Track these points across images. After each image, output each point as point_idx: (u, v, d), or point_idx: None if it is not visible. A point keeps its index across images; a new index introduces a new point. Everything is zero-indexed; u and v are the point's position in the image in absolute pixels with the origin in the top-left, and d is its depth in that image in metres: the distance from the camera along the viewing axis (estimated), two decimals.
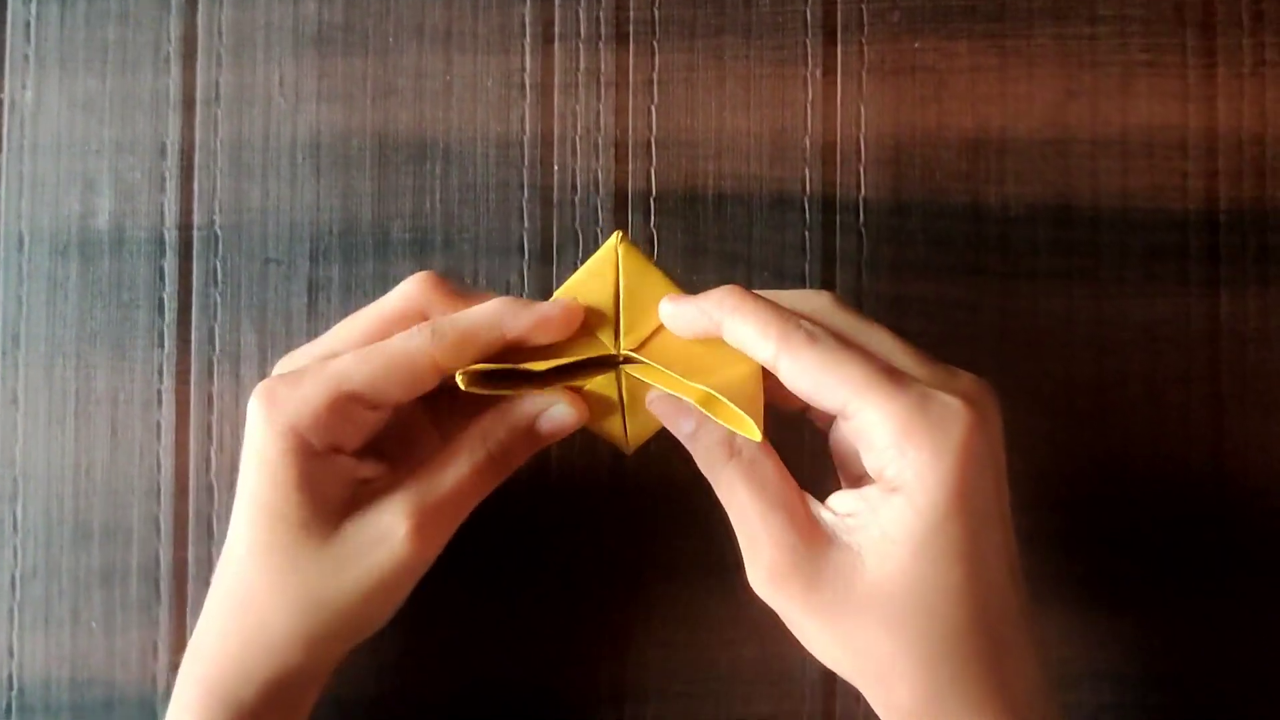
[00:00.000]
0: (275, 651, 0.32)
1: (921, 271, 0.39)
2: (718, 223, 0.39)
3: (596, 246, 0.39)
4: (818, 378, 0.29)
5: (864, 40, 0.39)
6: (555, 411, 0.32)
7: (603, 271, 0.33)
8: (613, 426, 0.33)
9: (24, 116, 0.41)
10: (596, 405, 0.33)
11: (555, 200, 0.40)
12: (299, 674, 0.32)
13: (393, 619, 0.36)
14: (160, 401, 0.40)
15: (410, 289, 0.33)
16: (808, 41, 0.39)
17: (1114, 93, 0.39)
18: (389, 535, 0.31)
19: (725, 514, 0.38)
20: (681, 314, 0.32)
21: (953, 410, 0.28)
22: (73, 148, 0.41)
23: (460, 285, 0.33)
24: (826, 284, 0.39)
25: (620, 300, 0.32)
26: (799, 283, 0.39)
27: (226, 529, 0.39)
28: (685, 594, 0.39)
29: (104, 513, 0.40)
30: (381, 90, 0.40)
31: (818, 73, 0.39)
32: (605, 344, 0.33)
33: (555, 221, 0.40)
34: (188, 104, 0.40)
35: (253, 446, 0.31)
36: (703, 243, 0.39)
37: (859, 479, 0.31)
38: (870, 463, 0.29)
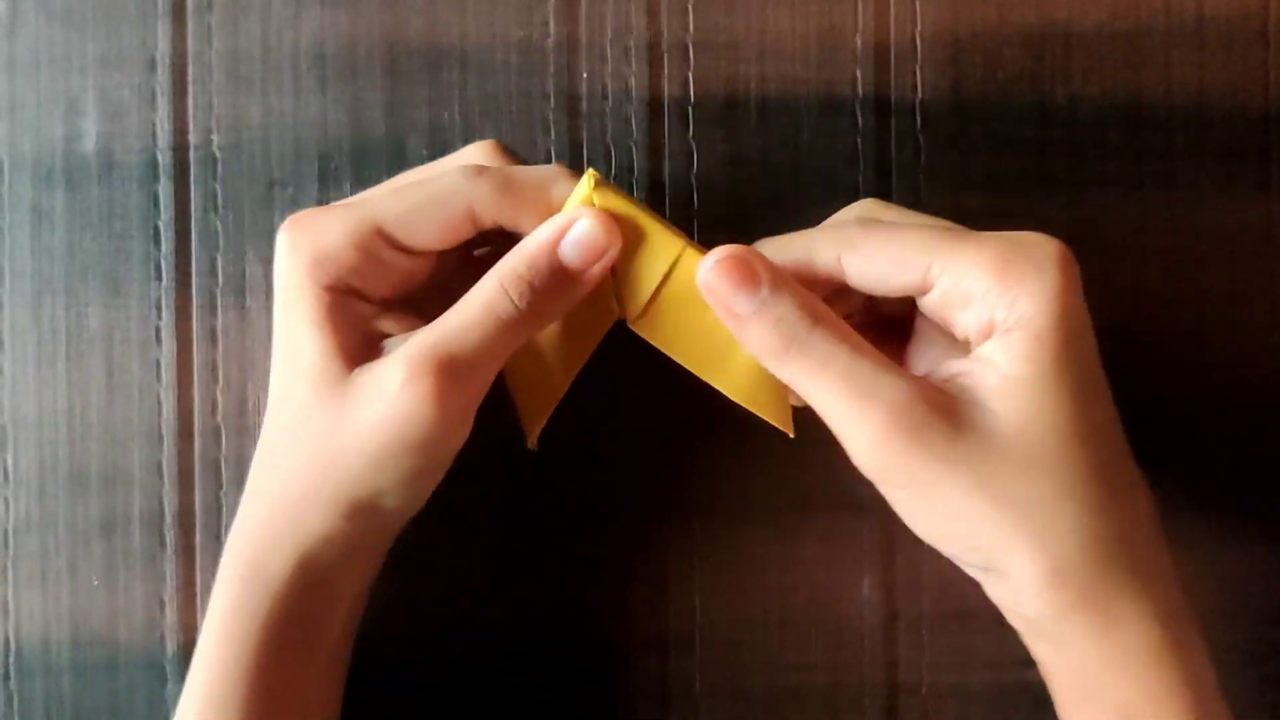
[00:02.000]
0: (299, 515, 0.30)
1: (984, 181, 0.36)
2: (761, 130, 0.36)
3: (631, 159, 0.36)
4: (892, 256, 0.28)
5: None
6: (578, 230, 0.29)
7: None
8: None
9: None
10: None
11: (584, 110, 0.36)
12: (325, 546, 0.30)
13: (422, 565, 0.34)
14: (159, 338, 0.37)
15: (470, 153, 0.31)
16: None
17: None
18: (387, 384, 0.28)
19: (773, 450, 0.35)
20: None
21: (1042, 241, 0.28)
22: (54, 65, 0.37)
23: (521, 160, 0.32)
24: (882, 196, 0.36)
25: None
26: (851, 195, 0.36)
27: (233, 474, 0.36)
28: (730, 536, 0.36)
29: (102, 459, 0.37)
30: None
31: None
32: (613, 308, 0.30)
33: (584, 133, 0.36)
34: (178, 12, 0.37)
35: (278, 282, 0.30)
36: (745, 153, 0.36)
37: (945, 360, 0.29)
38: (969, 320, 0.28)
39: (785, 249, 0.29)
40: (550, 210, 0.30)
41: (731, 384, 0.30)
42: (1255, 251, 0.36)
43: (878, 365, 0.27)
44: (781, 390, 0.30)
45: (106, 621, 0.37)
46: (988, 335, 0.27)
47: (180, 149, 0.37)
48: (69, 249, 0.37)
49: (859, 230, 0.29)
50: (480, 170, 0.29)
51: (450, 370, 0.28)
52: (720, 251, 0.28)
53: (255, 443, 0.36)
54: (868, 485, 0.35)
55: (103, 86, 0.37)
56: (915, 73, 0.36)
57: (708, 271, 0.28)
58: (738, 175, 0.36)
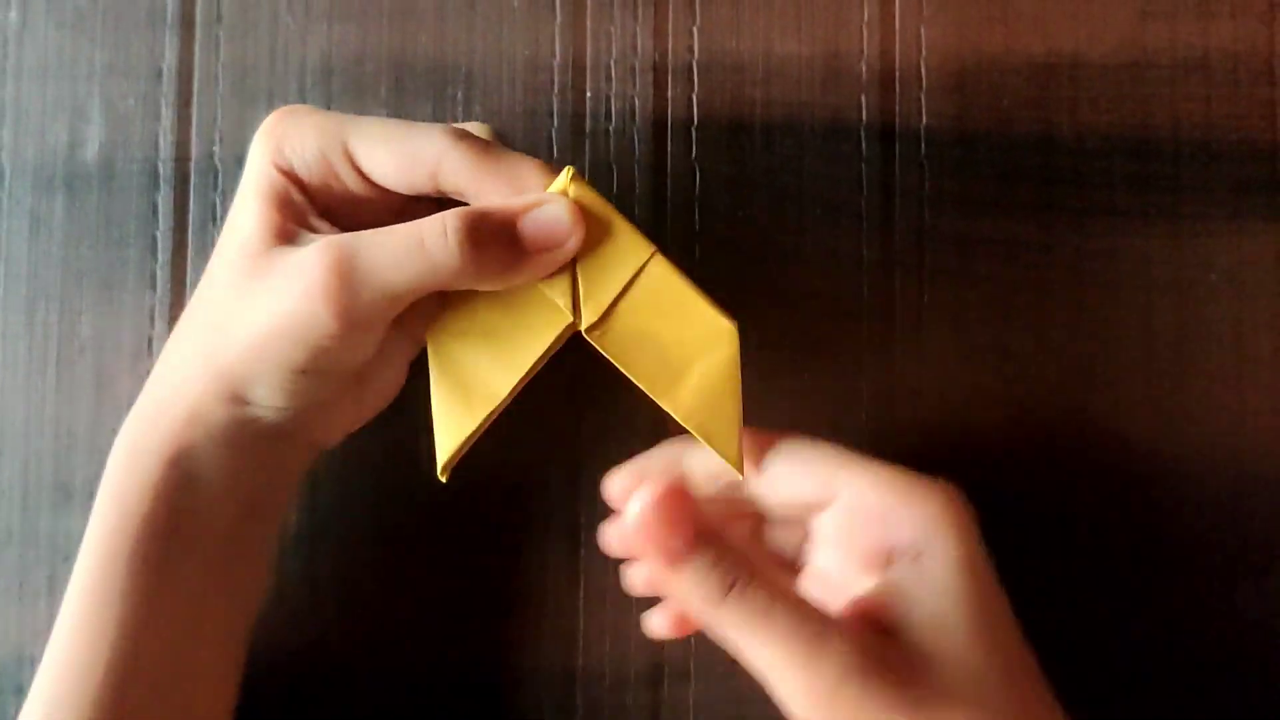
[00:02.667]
0: (177, 384, 0.30)
1: (989, 208, 0.35)
2: (766, 154, 0.36)
3: (633, 179, 0.36)
4: (792, 479, 0.30)
5: None
6: (545, 211, 0.28)
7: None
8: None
9: (8, 38, 0.37)
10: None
11: (588, 129, 0.36)
12: (197, 427, 0.29)
13: (401, 593, 0.33)
14: (151, 348, 0.36)
15: (475, 126, 0.32)
16: None
17: (1193, 13, 0.36)
18: (294, 267, 0.28)
19: None
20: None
21: (936, 481, 0.29)
22: (60, 72, 0.37)
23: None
24: (885, 221, 0.36)
25: (575, 267, 0.29)
26: (854, 220, 0.36)
27: None
28: None
29: (87, 472, 0.36)
30: (399, 9, 0.37)
31: None
32: (563, 310, 0.29)
33: (588, 152, 0.36)
34: (187, 24, 0.37)
35: (249, 155, 0.30)
36: (750, 175, 0.36)
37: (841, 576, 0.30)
38: (868, 541, 0.29)
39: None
40: (515, 194, 0.29)
41: (683, 407, 0.29)
42: (1263, 283, 0.35)
43: (817, 624, 0.26)
44: (735, 424, 0.29)
45: None
46: (893, 558, 0.28)
47: (182, 159, 0.37)
48: (65, 256, 0.37)
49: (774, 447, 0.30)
50: (463, 133, 0.29)
51: (349, 270, 0.27)
52: (648, 493, 0.26)
53: None
54: None
55: (108, 95, 0.37)
56: (920, 99, 0.36)
57: (644, 509, 0.26)
58: (740, 198, 0.36)
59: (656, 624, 0.32)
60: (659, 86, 0.36)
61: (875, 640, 0.27)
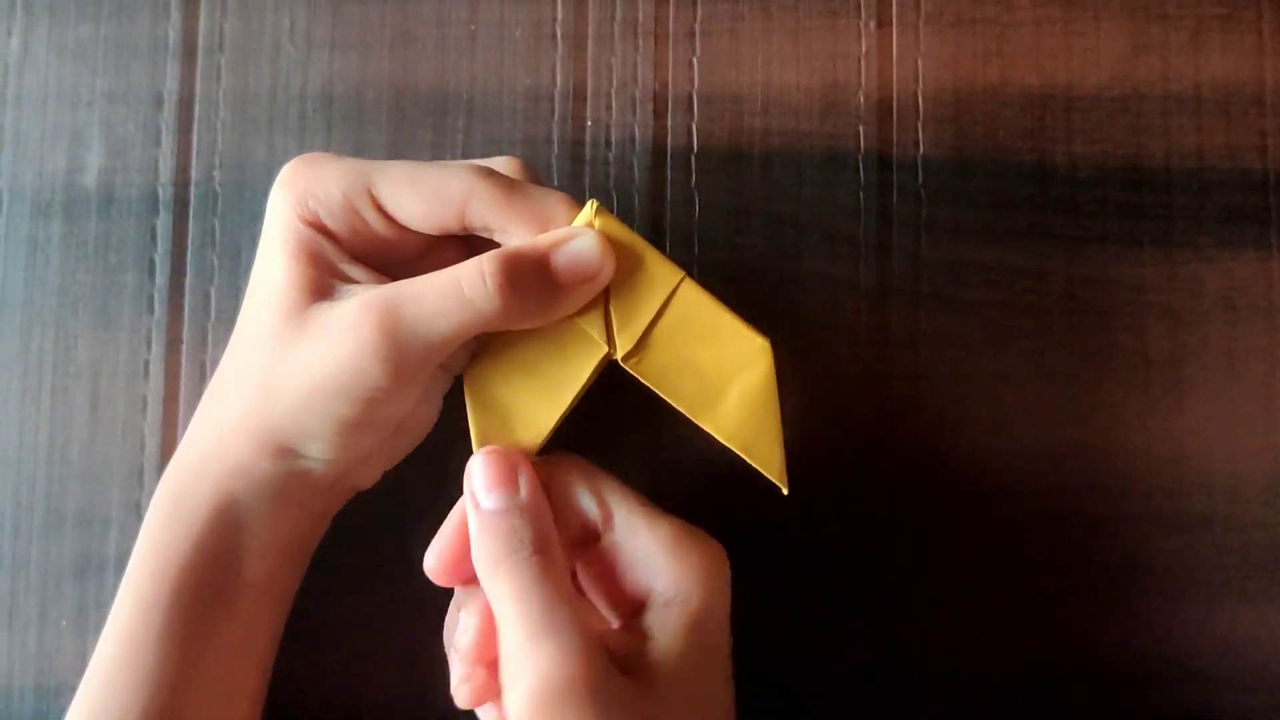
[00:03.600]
0: (223, 441, 0.30)
1: (984, 235, 0.36)
2: (765, 182, 0.36)
3: (632, 206, 0.36)
4: (573, 504, 0.30)
5: None
6: (576, 245, 0.29)
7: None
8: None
9: (8, 65, 0.37)
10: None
11: (587, 157, 0.37)
12: (247, 482, 0.29)
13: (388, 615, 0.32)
14: (147, 373, 0.36)
15: (500, 160, 0.32)
16: None
17: (1185, 47, 0.36)
18: (337, 321, 0.28)
19: (778, 507, 0.34)
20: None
21: (709, 539, 0.30)
22: (61, 99, 0.37)
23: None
24: (883, 248, 0.36)
25: (608, 297, 0.30)
26: (852, 247, 0.36)
27: None
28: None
29: (79, 497, 0.36)
30: (400, 39, 0.37)
31: (871, 24, 0.37)
32: (598, 342, 0.30)
33: (588, 180, 0.36)
34: (189, 52, 0.37)
35: (268, 211, 0.30)
36: (748, 204, 0.36)
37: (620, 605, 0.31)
38: (635, 580, 0.29)
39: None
40: (542, 229, 0.29)
41: (724, 427, 0.30)
42: (1255, 309, 0.36)
43: (566, 619, 0.27)
44: (776, 440, 0.30)
45: (73, 668, 0.35)
46: (648, 599, 0.29)
47: (182, 185, 0.37)
48: (62, 281, 0.37)
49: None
50: (489, 171, 0.29)
51: (395, 324, 0.27)
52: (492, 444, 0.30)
53: None
54: (873, 545, 0.35)
55: (109, 121, 0.37)
56: (917, 129, 0.36)
57: (478, 455, 0.30)
58: (739, 226, 0.36)
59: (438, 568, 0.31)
60: (659, 115, 0.37)
61: (607, 659, 0.27)
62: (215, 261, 0.36)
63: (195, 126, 0.37)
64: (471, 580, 0.29)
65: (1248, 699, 0.34)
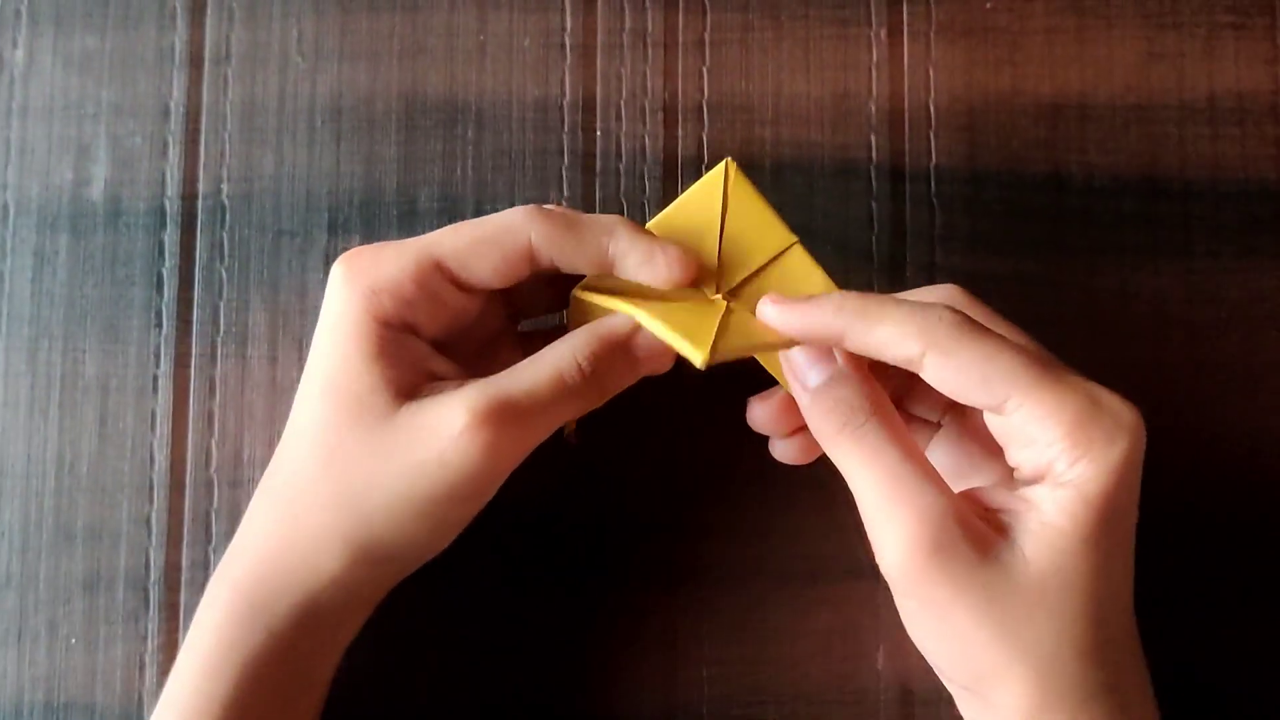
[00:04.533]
0: (310, 554, 0.29)
1: (999, 246, 0.36)
2: (776, 192, 0.36)
3: (643, 217, 0.36)
4: (974, 372, 0.27)
5: (932, 0, 0.37)
6: (649, 335, 0.29)
7: (707, 204, 0.30)
8: (697, 334, 0.29)
9: (14, 77, 0.37)
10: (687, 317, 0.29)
11: (598, 168, 0.36)
12: (335, 589, 0.29)
13: (416, 624, 0.32)
14: (156, 388, 0.36)
15: (521, 210, 0.30)
16: (871, 1, 0.37)
17: (1199, 55, 0.36)
18: (446, 426, 0.27)
19: (787, 516, 0.34)
20: (791, 321, 0.29)
21: (1124, 411, 0.27)
22: (67, 111, 0.37)
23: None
24: (896, 259, 0.36)
25: (721, 243, 0.30)
26: (865, 258, 0.36)
27: (225, 529, 0.35)
28: (743, 604, 0.35)
29: (89, 512, 0.36)
30: (410, 49, 0.37)
31: (882, 33, 0.36)
32: (706, 295, 0.30)
33: (598, 191, 0.36)
34: (195, 62, 0.37)
35: (329, 311, 0.29)
36: None
37: (977, 471, 0.30)
38: (1028, 457, 0.27)
39: (871, 322, 0.28)
40: (606, 260, 0.29)
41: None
42: (1273, 319, 0.35)
43: (923, 473, 0.27)
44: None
45: (83, 683, 0.35)
46: (1039, 478, 0.27)
47: (189, 197, 0.37)
48: (69, 295, 0.36)
49: (949, 334, 0.27)
50: (540, 209, 0.29)
51: (514, 423, 0.28)
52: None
53: (248, 498, 0.35)
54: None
55: (115, 133, 0.37)
56: (930, 139, 0.36)
57: (794, 350, 0.29)
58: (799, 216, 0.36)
59: (781, 451, 0.32)
60: (669, 126, 0.36)
61: (970, 517, 0.27)
62: (223, 275, 0.36)
63: (202, 138, 0.37)
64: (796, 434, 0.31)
65: None
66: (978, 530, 0.27)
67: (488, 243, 0.29)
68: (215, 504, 0.35)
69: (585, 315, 0.30)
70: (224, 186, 0.37)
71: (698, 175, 0.36)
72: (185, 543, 0.35)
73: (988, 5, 0.36)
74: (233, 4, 0.37)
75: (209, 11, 0.37)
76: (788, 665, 0.34)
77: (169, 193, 0.37)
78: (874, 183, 0.36)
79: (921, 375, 0.28)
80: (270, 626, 0.29)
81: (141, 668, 0.35)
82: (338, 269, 0.29)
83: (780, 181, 0.36)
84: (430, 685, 0.34)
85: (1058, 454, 0.27)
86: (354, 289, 0.29)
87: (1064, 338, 0.35)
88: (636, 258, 0.29)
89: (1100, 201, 0.36)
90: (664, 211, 0.31)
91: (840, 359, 0.29)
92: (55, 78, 0.37)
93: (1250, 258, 0.35)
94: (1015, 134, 0.36)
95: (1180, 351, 0.35)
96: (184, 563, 0.35)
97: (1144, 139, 0.36)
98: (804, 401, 0.29)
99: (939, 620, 0.27)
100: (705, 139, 0.36)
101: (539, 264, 0.29)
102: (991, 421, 0.28)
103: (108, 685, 0.35)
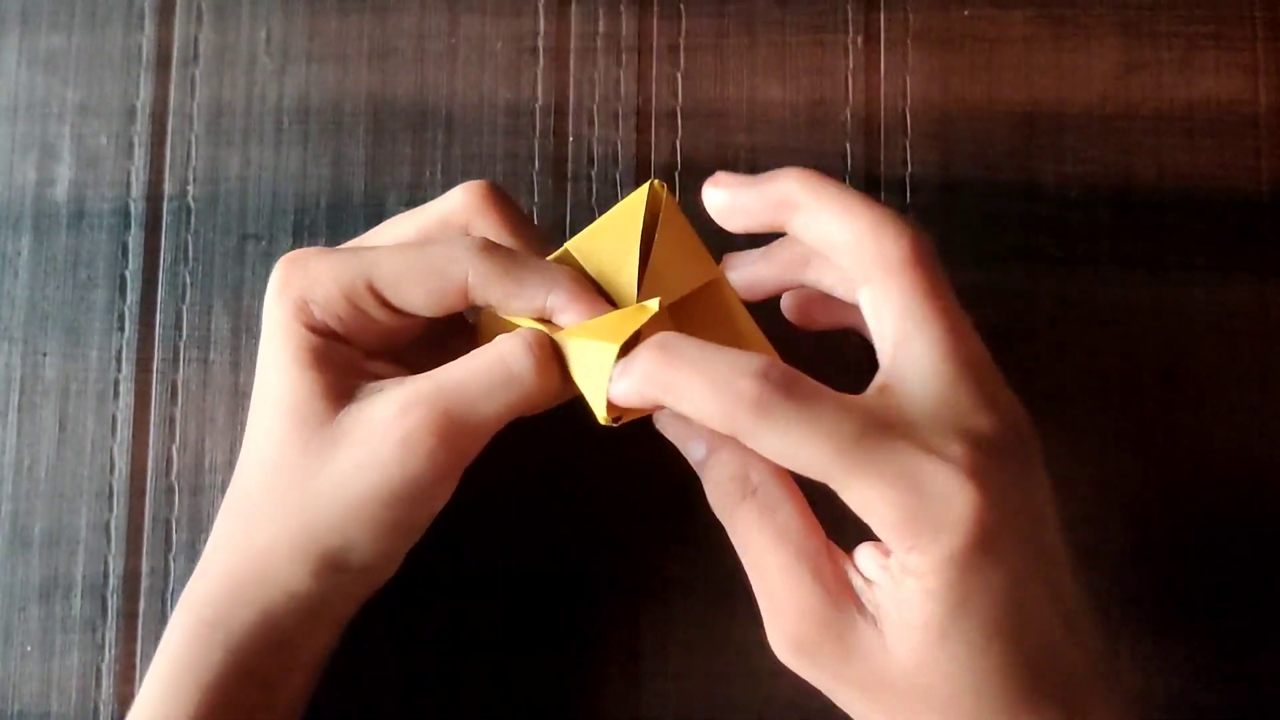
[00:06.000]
0: (263, 567, 0.28)
1: (973, 256, 0.35)
2: None
3: None
4: (785, 460, 0.25)
5: (908, 7, 0.36)
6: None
7: (629, 225, 0.28)
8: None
9: None
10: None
11: (569, 173, 0.36)
12: (292, 603, 0.28)
13: (376, 638, 0.32)
14: (117, 392, 0.35)
15: (458, 199, 0.30)
16: (848, 6, 0.36)
17: (1177, 65, 0.36)
18: (378, 424, 0.27)
19: None
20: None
21: (954, 489, 0.24)
22: (31, 110, 0.37)
23: (513, 206, 0.30)
24: None
25: (645, 268, 0.28)
26: None
27: (187, 536, 0.35)
28: (709, 617, 0.34)
29: (47, 518, 0.35)
30: (379, 51, 0.36)
31: (859, 40, 0.36)
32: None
33: (569, 196, 0.36)
34: (162, 63, 0.36)
35: (265, 320, 0.29)
36: None
37: None
38: (879, 535, 0.25)
39: (677, 396, 0.25)
40: (543, 312, 0.28)
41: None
42: (1247, 335, 0.35)
43: (789, 565, 0.26)
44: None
45: (38, 692, 0.34)
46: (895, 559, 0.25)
47: (154, 199, 0.36)
48: (31, 297, 0.36)
49: (750, 415, 0.24)
50: (486, 248, 0.28)
51: (444, 417, 0.27)
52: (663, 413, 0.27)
53: (210, 504, 0.35)
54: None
55: (80, 134, 0.36)
56: (905, 147, 0.36)
57: (660, 421, 0.28)
58: (725, 243, 0.35)
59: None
60: (642, 131, 0.36)
61: (834, 611, 0.25)
62: (187, 279, 0.36)
63: (168, 139, 0.36)
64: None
65: None
66: (840, 626, 0.25)
67: (424, 272, 0.28)
68: (176, 511, 0.35)
69: (496, 332, 0.29)
70: (189, 188, 0.36)
71: (670, 182, 0.36)
72: (145, 550, 0.35)
73: (965, 13, 0.36)
74: (200, 5, 0.37)
75: (176, 12, 0.37)
76: (754, 680, 0.34)
77: (134, 194, 0.36)
78: None
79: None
80: (229, 644, 0.28)
81: (98, 677, 0.34)
82: (274, 275, 0.29)
83: None
84: (392, 698, 0.34)
85: (891, 543, 0.25)
86: (285, 298, 0.28)
87: (1035, 348, 0.35)
88: (572, 318, 0.28)
89: (1075, 211, 0.35)
90: (585, 231, 0.29)
91: (707, 435, 0.27)
92: (20, 77, 0.37)
93: (1224, 270, 0.35)
94: (991, 143, 0.36)
95: (1151, 364, 0.35)
96: (143, 570, 0.34)
97: (1120, 149, 0.36)
98: (700, 474, 0.28)
99: (832, 697, 0.27)
100: (678, 145, 0.36)
101: (473, 299, 0.28)
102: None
103: (63, 694, 0.34)
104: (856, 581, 0.26)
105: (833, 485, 0.25)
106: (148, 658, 0.34)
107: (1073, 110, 0.36)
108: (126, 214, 0.36)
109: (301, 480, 0.28)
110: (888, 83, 0.36)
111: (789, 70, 0.36)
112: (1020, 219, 0.35)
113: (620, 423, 0.27)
